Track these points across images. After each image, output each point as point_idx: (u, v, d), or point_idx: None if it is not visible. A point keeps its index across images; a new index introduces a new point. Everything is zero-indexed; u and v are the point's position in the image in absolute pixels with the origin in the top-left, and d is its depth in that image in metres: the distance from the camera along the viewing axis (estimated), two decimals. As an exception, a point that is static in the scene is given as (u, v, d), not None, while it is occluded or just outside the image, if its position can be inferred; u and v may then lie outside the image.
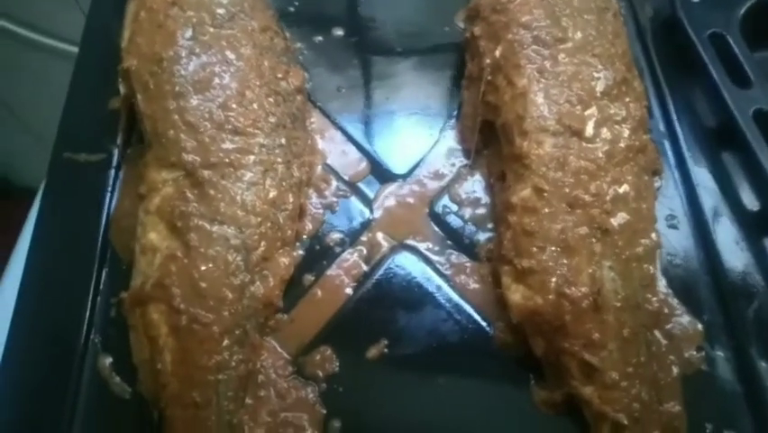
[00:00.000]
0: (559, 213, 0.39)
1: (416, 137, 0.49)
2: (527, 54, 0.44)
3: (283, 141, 0.45)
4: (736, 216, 0.44)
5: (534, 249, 0.39)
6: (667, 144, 0.47)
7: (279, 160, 0.44)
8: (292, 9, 0.55)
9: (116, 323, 0.41)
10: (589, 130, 0.42)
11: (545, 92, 0.42)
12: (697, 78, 0.48)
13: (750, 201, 0.45)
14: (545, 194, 0.40)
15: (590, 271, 0.38)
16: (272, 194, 0.43)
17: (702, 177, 0.46)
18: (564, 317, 0.37)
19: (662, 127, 0.48)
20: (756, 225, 0.44)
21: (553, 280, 0.38)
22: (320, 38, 0.54)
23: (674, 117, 0.48)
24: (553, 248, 0.38)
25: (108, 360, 0.40)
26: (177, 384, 0.37)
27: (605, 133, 0.42)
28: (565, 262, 0.38)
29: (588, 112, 0.42)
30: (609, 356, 0.37)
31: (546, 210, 0.39)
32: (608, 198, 0.40)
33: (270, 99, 0.46)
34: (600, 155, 0.41)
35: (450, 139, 0.49)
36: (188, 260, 0.40)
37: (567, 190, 0.40)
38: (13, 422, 0.38)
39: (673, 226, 0.44)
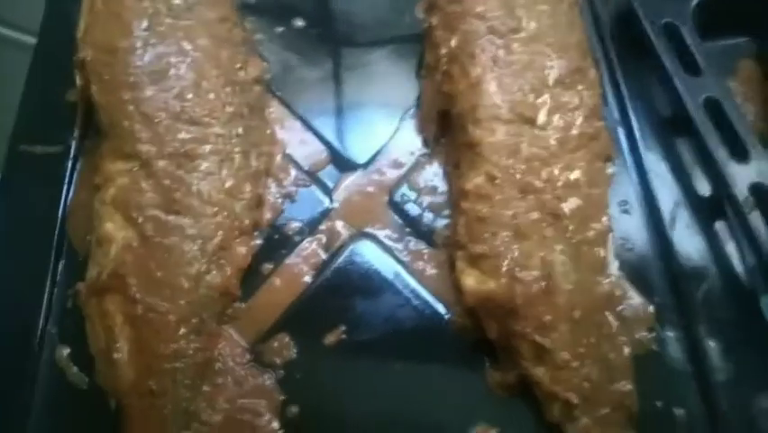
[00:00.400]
0: (511, 199, 0.40)
1: (376, 126, 0.49)
2: (482, 44, 0.44)
3: (240, 130, 0.45)
4: (689, 201, 0.45)
5: (487, 234, 0.39)
6: (621, 132, 0.48)
7: (237, 149, 0.44)
8: (252, 0, 0.55)
9: (73, 314, 0.41)
10: (542, 118, 0.42)
11: (498, 81, 0.43)
12: (651, 66, 0.49)
13: (702, 187, 0.46)
14: (497, 181, 0.40)
15: (542, 255, 0.39)
16: (229, 183, 0.43)
17: (655, 163, 0.46)
18: (516, 300, 0.38)
19: (616, 115, 0.49)
20: (708, 210, 0.45)
21: (505, 264, 0.39)
22: (281, 29, 0.54)
23: (628, 105, 0.49)
24: (505, 233, 0.39)
25: (65, 351, 0.41)
26: (133, 373, 0.37)
27: (557, 120, 0.42)
28: (517, 246, 0.39)
29: (540, 100, 0.43)
30: (560, 338, 0.37)
31: (498, 196, 0.40)
32: (559, 183, 0.41)
33: (227, 89, 0.46)
34: (552, 142, 0.42)
35: (409, 128, 0.49)
36: (144, 250, 0.40)
37: (519, 177, 0.40)
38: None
39: (626, 212, 0.45)
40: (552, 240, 0.39)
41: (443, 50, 0.46)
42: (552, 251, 0.39)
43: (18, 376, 0.39)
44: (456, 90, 0.44)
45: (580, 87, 0.45)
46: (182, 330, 0.38)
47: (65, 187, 0.46)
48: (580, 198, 0.41)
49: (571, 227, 0.40)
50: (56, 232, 0.44)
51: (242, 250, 0.42)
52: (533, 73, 0.43)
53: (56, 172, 0.46)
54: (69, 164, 0.46)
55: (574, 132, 0.43)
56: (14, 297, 0.42)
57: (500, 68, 0.43)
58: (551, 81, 0.43)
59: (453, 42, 0.45)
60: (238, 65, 0.48)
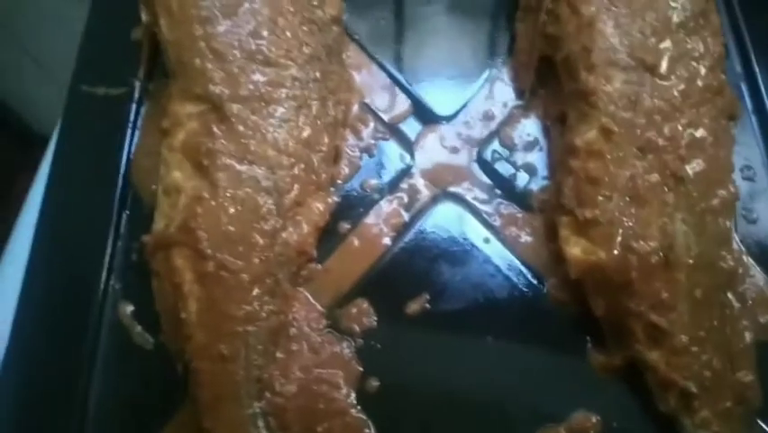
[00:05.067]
0: (628, 158, 0.35)
1: (463, 75, 0.44)
2: (596, -18, 0.38)
3: (318, 75, 0.41)
4: (821, 167, 0.40)
5: (600, 198, 0.35)
6: (744, 87, 0.42)
7: (314, 95, 0.40)
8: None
9: (138, 269, 0.38)
10: (664, 66, 0.37)
11: (615, 21, 0.37)
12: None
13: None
14: (614, 136, 0.35)
15: (661, 223, 0.34)
16: (306, 133, 0.39)
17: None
18: (631, 274, 0.33)
19: (738, 68, 0.43)
20: None
21: (620, 232, 0.34)
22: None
23: (753, 57, 0.43)
24: (621, 197, 0.34)
25: (129, 308, 0.38)
26: (203, 335, 0.34)
27: (681, 69, 0.37)
28: (634, 212, 0.34)
29: (663, 45, 0.37)
30: (679, 319, 0.33)
31: (615, 154, 0.35)
32: (683, 142, 0.36)
33: (305, 28, 0.42)
34: (676, 94, 0.37)
35: (501, 77, 0.44)
36: (216, 201, 0.36)
37: (638, 132, 0.35)
38: (30, 371, 0.36)
39: (749, 178, 0.40)
40: (673, 207, 0.35)
41: (547, -10, 0.40)
42: (673, 219, 0.34)
43: (80, 334, 0.36)
44: (563, 32, 0.39)
45: (704, 34, 0.39)
46: (255, 291, 0.35)
47: (129, 132, 0.42)
48: (705, 161, 0.36)
49: (694, 193, 0.35)
50: (119, 180, 0.41)
51: (319, 206, 0.39)
52: (654, 14, 0.38)
53: (120, 116, 0.43)
54: (134, 107, 0.43)
55: (699, 83, 0.37)
56: (76, 250, 0.39)
57: (617, 7, 0.38)
58: (674, 24, 0.38)
59: (561, -20, 0.40)
60: (315, 2, 0.43)
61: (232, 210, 0.36)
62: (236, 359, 0.34)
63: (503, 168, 0.41)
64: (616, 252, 0.34)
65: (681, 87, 0.37)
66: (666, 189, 0.35)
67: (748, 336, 0.35)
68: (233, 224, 0.36)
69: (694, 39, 0.38)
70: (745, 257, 0.37)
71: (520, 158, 0.41)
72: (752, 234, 0.38)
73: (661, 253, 0.34)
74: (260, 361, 0.35)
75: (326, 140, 0.40)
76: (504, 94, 0.44)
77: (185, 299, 0.35)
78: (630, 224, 0.34)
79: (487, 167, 0.41)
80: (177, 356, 0.35)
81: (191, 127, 0.38)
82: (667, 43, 0.37)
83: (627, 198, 0.34)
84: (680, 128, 0.36)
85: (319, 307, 0.37)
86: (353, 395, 0.35)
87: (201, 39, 0.39)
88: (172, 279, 0.36)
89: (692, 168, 0.35)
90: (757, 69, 0.43)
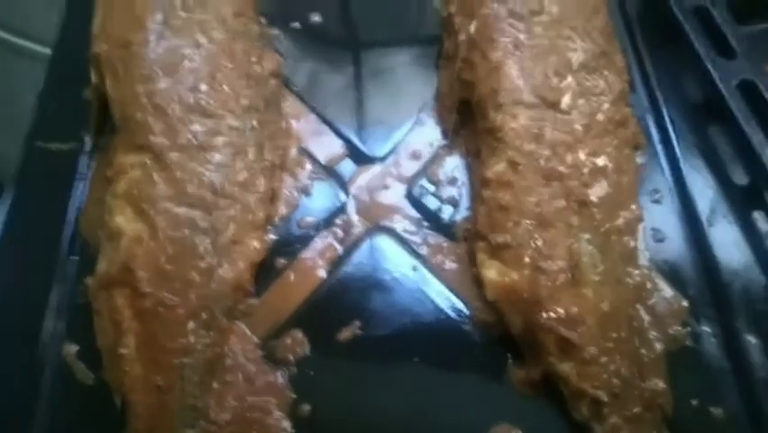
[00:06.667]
0: (534, 186, 0.38)
1: (395, 119, 0.48)
2: (502, 28, 0.43)
3: (255, 123, 0.44)
4: (724, 190, 0.43)
5: (509, 223, 0.37)
6: (650, 120, 0.46)
7: (251, 142, 0.43)
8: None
9: (83, 310, 0.40)
10: (566, 101, 0.40)
11: (520, 65, 0.41)
12: (680, 52, 0.47)
13: (738, 175, 0.43)
14: (520, 167, 0.38)
15: (568, 244, 0.37)
16: (242, 176, 0.42)
17: (687, 151, 0.44)
18: (540, 292, 0.36)
19: (645, 102, 0.47)
20: (745, 199, 0.43)
21: (528, 254, 0.37)
22: (297, 24, 0.53)
23: (658, 92, 0.47)
24: (528, 222, 0.37)
25: (74, 348, 0.39)
26: (140, 369, 0.36)
27: (582, 104, 0.41)
28: (540, 235, 0.37)
29: (564, 84, 0.41)
30: (588, 332, 0.35)
31: (521, 183, 0.38)
32: (585, 169, 0.39)
33: (242, 82, 0.45)
34: (578, 127, 0.40)
35: (428, 119, 0.48)
36: (155, 243, 0.39)
37: (542, 163, 0.38)
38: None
39: (657, 201, 0.43)
40: (578, 229, 0.37)
41: (462, 37, 0.44)
42: (578, 240, 0.37)
43: (25, 374, 0.38)
44: (476, 77, 0.42)
45: (605, 72, 0.43)
46: (191, 325, 0.37)
47: (78, 182, 0.45)
48: (608, 185, 0.39)
49: (598, 215, 0.38)
50: (69, 227, 0.43)
51: (255, 244, 0.41)
52: (556, 57, 0.41)
53: (70, 169, 0.46)
54: (83, 160, 0.46)
55: (600, 117, 0.41)
56: (23, 294, 0.41)
57: (521, 51, 0.41)
58: (575, 65, 0.42)
59: (472, 28, 0.44)
60: (253, 59, 0.47)
61: (169, 250, 0.38)
62: (171, 390, 0.36)
63: (430, 202, 0.44)
64: (526, 272, 0.36)
65: (583, 120, 0.40)
66: (571, 213, 0.37)
67: (658, 347, 0.37)
68: (170, 263, 0.38)
69: (595, 77, 0.42)
70: (654, 273, 0.40)
71: (445, 192, 0.44)
72: (660, 252, 0.41)
73: (568, 273, 0.36)
74: (195, 391, 0.36)
75: (263, 182, 0.43)
76: (430, 135, 0.47)
77: (124, 335, 0.37)
78: (538, 246, 0.37)
79: (415, 201, 0.44)
80: (116, 391, 0.37)
81: (133, 175, 0.41)
82: (568, 82, 0.41)
83: (535, 222, 0.37)
84: (582, 157, 0.39)
85: (255, 338, 0.39)
86: (286, 421, 0.36)
87: (143, 95, 0.42)
88: (112, 316, 0.38)
89: (595, 192, 0.38)
90: (662, 103, 0.46)
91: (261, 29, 0.51)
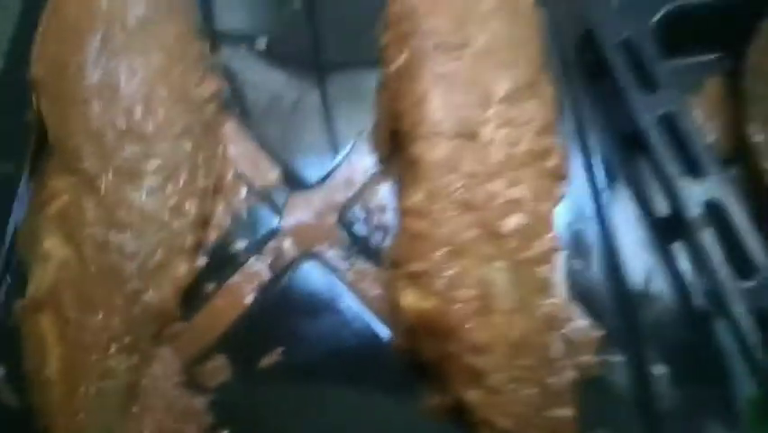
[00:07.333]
0: (449, 216, 0.39)
1: (331, 146, 0.49)
2: (429, 60, 0.44)
3: (188, 148, 0.45)
4: (644, 221, 0.44)
5: (424, 252, 0.38)
6: (577, 150, 0.47)
7: (184, 167, 0.44)
8: (215, 18, 0.55)
9: (12, 332, 0.41)
10: (486, 133, 0.41)
11: (442, 97, 0.42)
12: (608, 85, 0.48)
13: (659, 207, 0.45)
14: (436, 198, 0.39)
15: (480, 273, 0.38)
16: (172, 201, 0.43)
17: (611, 182, 0.45)
18: (451, 319, 0.37)
19: (572, 133, 0.48)
20: (664, 230, 0.44)
21: (441, 282, 0.38)
22: (242, 48, 0.54)
23: (586, 124, 0.48)
24: (442, 250, 0.38)
25: (1, 370, 0.40)
26: (61, 392, 0.37)
27: (503, 136, 0.42)
28: (453, 264, 0.38)
29: (485, 115, 0.42)
30: (495, 360, 0.36)
31: (436, 214, 0.39)
32: (500, 200, 0.40)
33: (178, 107, 0.46)
34: (496, 159, 0.41)
35: (363, 147, 0.48)
36: (81, 267, 0.40)
37: (458, 194, 0.39)
38: None
39: (578, 231, 0.44)
40: (491, 258, 0.38)
41: (393, 68, 0.46)
42: (490, 269, 0.38)
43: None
44: (402, 108, 0.43)
45: (530, 103, 0.44)
46: (113, 348, 0.38)
47: (15, 204, 0.45)
48: (524, 216, 0.40)
49: (512, 245, 0.39)
50: (5, 249, 0.44)
51: (182, 269, 0.42)
52: (479, 89, 0.43)
53: (9, 190, 0.46)
54: (22, 182, 0.46)
55: (521, 148, 0.42)
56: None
57: (446, 83, 0.42)
58: (498, 97, 0.43)
59: (402, 60, 0.45)
60: (193, 83, 0.48)
61: (95, 274, 0.39)
62: (91, 414, 0.36)
63: (360, 228, 0.45)
64: (438, 300, 0.37)
65: (502, 151, 0.41)
66: (484, 243, 0.39)
67: (569, 375, 0.38)
68: (96, 287, 0.39)
69: (519, 108, 0.43)
70: (568, 303, 0.41)
71: (376, 219, 0.45)
72: (577, 281, 0.42)
73: (478, 302, 0.37)
74: (115, 415, 0.37)
75: (194, 206, 0.44)
76: (365, 162, 0.48)
77: (47, 358, 0.38)
78: (450, 274, 0.38)
79: (346, 227, 0.45)
80: (39, 414, 0.37)
81: (64, 199, 0.42)
82: (490, 113, 0.42)
83: (448, 251, 0.38)
84: (498, 188, 0.40)
85: (177, 364, 0.40)
86: (203, 447, 0.37)
87: (75, 118, 0.43)
88: (37, 339, 0.38)
89: (509, 223, 0.39)
90: (589, 134, 0.48)
91: (204, 52, 0.52)
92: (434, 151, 0.40)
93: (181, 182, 0.44)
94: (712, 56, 0.52)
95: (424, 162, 0.40)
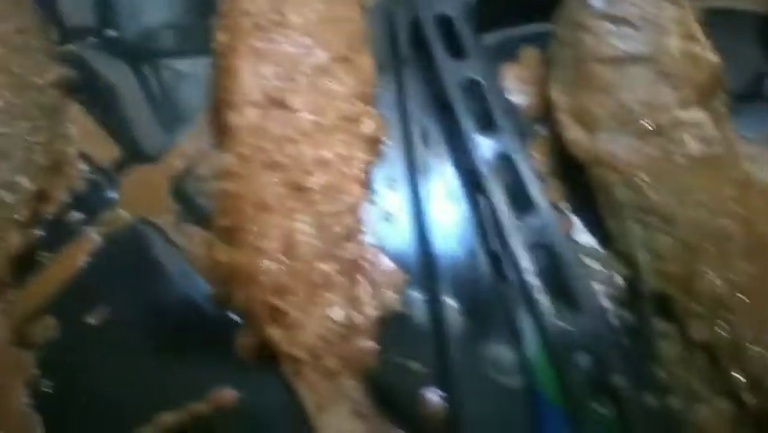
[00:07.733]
0: (258, 176, 0.43)
1: (168, 124, 0.52)
2: (245, 38, 0.47)
3: (25, 128, 0.47)
4: (448, 176, 0.49)
5: (235, 209, 0.42)
6: (395, 116, 0.51)
7: (18, 147, 0.47)
8: (63, 12, 0.58)
9: None
10: (296, 102, 0.45)
11: (253, 69, 0.46)
12: (427, 57, 0.53)
13: (466, 162, 0.49)
14: (246, 159, 0.43)
15: (284, 225, 0.41)
16: (6, 177, 0.45)
17: (424, 142, 0.50)
18: (258, 268, 0.40)
19: (393, 100, 0.52)
20: (467, 183, 0.48)
21: (249, 236, 0.41)
22: (92, 38, 0.57)
23: (407, 93, 0.52)
24: (249, 207, 0.42)
25: None
26: None
27: (312, 104, 0.46)
28: (260, 218, 0.41)
29: (294, 85, 0.46)
30: (296, 300, 0.40)
31: (245, 174, 0.43)
32: (307, 160, 0.43)
33: (16, 92, 0.48)
34: (305, 124, 0.45)
35: (199, 125, 0.52)
36: None
37: (266, 156, 0.43)
38: None
39: (391, 187, 0.48)
40: (295, 211, 0.42)
41: (218, 47, 0.49)
42: (294, 221, 0.42)
43: None
44: (220, 82, 0.47)
45: (344, 74, 0.48)
46: (-60, 314, 0.40)
47: None
48: (331, 175, 0.44)
49: (317, 199, 0.43)
50: None
51: (15, 240, 0.44)
52: (290, 61, 0.46)
53: None
54: None
55: (331, 114, 0.46)
56: None
57: (258, 57, 0.46)
58: (308, 68, 0.47)
59: (223, 39, 0.48)
60: (33, 71, 0.51)
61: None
62: None
63: (191, 196, 0.48)
64: (248, 251, 0.41)
65: (311, 118, 0.45)
66: (290, 198, 0.42)
67: (372, 312, 0.42)
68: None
69: (329, 79, 0.47)
70: (374, 248, 0.44)
71: (205, 187, 0.48)
72: (386, 230, 0.46)
73: (282, 251, 0.41)
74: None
75: (28, 184, 0.46)
76: (203, 136, 0.51)
77: None
78: (256, 228, 0.41)
79: (178, 196, 0.48)
80: None
81: None
82: (299, 84, 0.46)
83: (255, 207, 0.42)
84: (306, 150, 0.44)
85: (6, 325, 0.42)
86: (26, 396, 0.40)
87: None
88: None
89: (316, 180, 0.43)
90: (407, 101, 0.52)
91: (48, 44, 0.54)
92: (243, 117, 0.44)
93: (17, 161, 0.46)
94: (529, 26, 0.57)
95: (235, 128, 0.44)
